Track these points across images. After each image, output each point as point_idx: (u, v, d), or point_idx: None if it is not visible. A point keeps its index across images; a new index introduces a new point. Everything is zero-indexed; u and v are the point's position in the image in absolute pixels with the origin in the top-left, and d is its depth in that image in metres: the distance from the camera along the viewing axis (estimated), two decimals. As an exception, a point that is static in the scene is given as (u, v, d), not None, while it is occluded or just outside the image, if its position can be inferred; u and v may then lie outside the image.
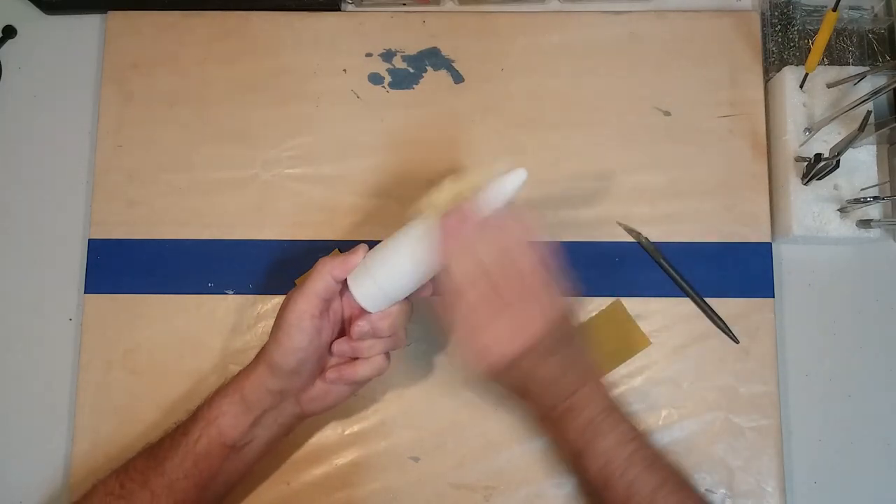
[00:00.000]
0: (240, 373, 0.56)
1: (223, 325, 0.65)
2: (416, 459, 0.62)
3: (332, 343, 0.56)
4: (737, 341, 0.64)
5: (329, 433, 0.63)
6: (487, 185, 0.52)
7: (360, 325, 0.54)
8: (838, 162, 0.59)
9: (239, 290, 0.65)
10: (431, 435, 0.63)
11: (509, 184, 0.52)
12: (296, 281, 0.65)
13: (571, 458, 0.53)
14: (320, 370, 0.56)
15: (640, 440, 0.52)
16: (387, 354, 0.55)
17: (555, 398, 0.52)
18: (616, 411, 0.53)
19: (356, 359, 0.55)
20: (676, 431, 0.62)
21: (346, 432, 0.63)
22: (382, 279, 0.53)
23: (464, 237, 0.51)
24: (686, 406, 0.63)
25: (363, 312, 0.54)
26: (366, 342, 0.55)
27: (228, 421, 0.54)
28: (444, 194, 0.54)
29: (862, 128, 0.56)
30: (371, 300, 0.53)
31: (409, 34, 0.69)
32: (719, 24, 0.69)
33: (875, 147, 0.65)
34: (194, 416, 0.55)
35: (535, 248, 0.52)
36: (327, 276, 0.53)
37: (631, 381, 0.63)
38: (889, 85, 0.59)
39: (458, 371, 0.63)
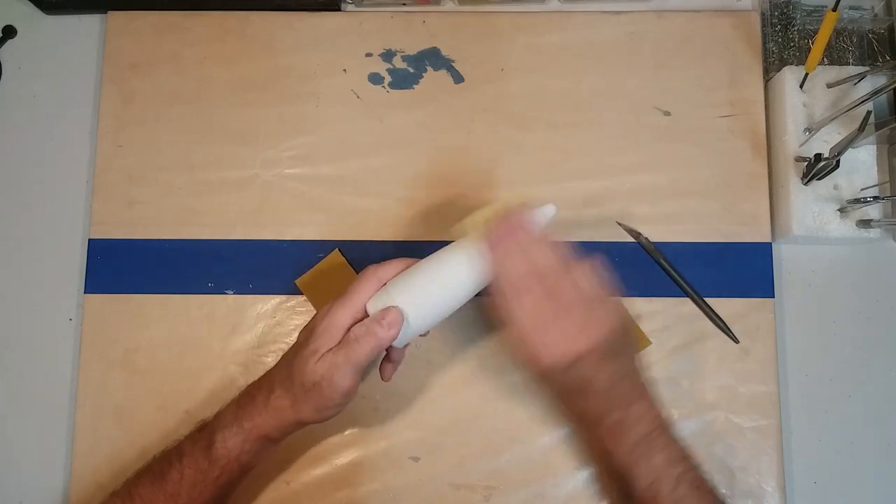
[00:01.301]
0: (252, 406, 0.54)
1: (223, 325, 0.65)
2: (416, 459, 0.62)
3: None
4: (737, 341, 0.64)
5: (329, 433, 0.63)
6: (531, 208, 0.54)
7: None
8: (838, 162, 0.59)
9: (239, 290, 0.65)
10: (431, 435, 0.63)
11: (543, 215, 0.54)
12: (296, 282, 0.65)
13: (620, 470, 0.53)
14: None
15: (688, 462, 0.52)
16: None
17: (610, 405, 0.52)
18: (668, 431, 0.53)
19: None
20: (676, 431, 0.62)
21: (346, 432, 0.63)
22: (413, 318, 0.53)
23: (516, 240, 0.52)
24: (686, 406, 0.63)
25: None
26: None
27: (252, 456, 0.54)
28: (478, 217, 0.54)
29: (862, 128, 0.56)
30: (400, 339, 0.54)
31: (409, 34, 0.69)
32: (719, 24, 0.69)
33: (875, 147, 0.65)
34: (208, 453, 0.53)
35: (586, 259, 0.53)
36: (376, 349, 0.52)
37: (631, 381, 0.63)
38: (889, 85, 0.59)
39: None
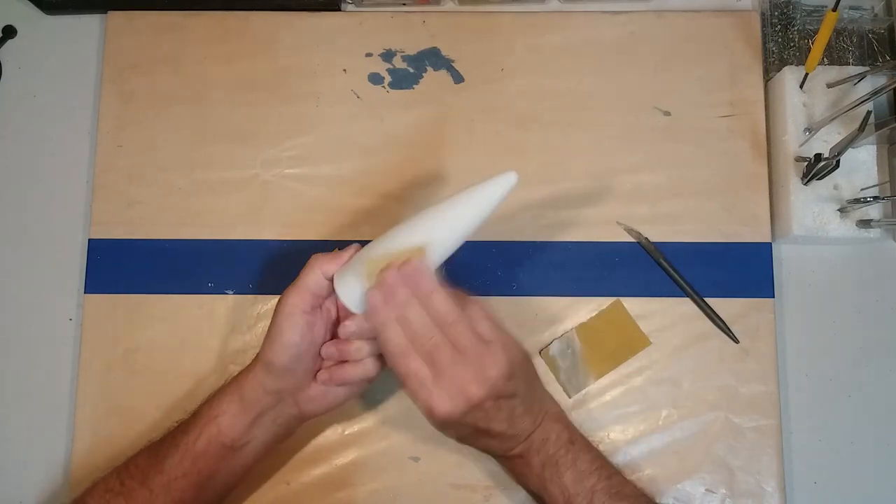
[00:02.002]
0: (240, 372, 0.56)
1: (223, 325, 0.65)
2: (416, 459, 0.62)
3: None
4: (737, 341, 0.64)
5: (329, 433, 0.63)
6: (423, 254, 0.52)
7: (347, 325, 0.53)
8: (838, 162, 0.59)
9: (239, 290, 0.65)
10: (431, 435, 0.62)
11: (499, 188, 0.53)
12: (296, 281, 0.65)
13: (534, 496, 0.54)
14: (315, 370, 0.56)
15: (601, 471, 0.53)
16: (378, 357, 0.55)
17: (512, 441, 0.53)
18: (574, 444, 0.53)
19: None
20: (676, 431, 0.62)
21: (346, 432, 0.63)
22: (367, 279, 0.52)
23: (393, 306, 0.50)
24: (686, 406, 0.63)
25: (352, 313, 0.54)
26: (353, 344, 0.54)
27: (227, 420, 0.54)
28: (378, 264, 0.52)
29: (862, 128, 0.56)
30: (354, 300, 0.52)
31: (409, 34, 0.69)
32: (719, 24, 0.69)
33: (875, 147, 0.65)
34: (195, 415, 0.55)
35: (468, 307, 0.51)
36: (317, 271, 0.53)
37: (631, 381, 0.63)
38: (889, 85, 0.59)
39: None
